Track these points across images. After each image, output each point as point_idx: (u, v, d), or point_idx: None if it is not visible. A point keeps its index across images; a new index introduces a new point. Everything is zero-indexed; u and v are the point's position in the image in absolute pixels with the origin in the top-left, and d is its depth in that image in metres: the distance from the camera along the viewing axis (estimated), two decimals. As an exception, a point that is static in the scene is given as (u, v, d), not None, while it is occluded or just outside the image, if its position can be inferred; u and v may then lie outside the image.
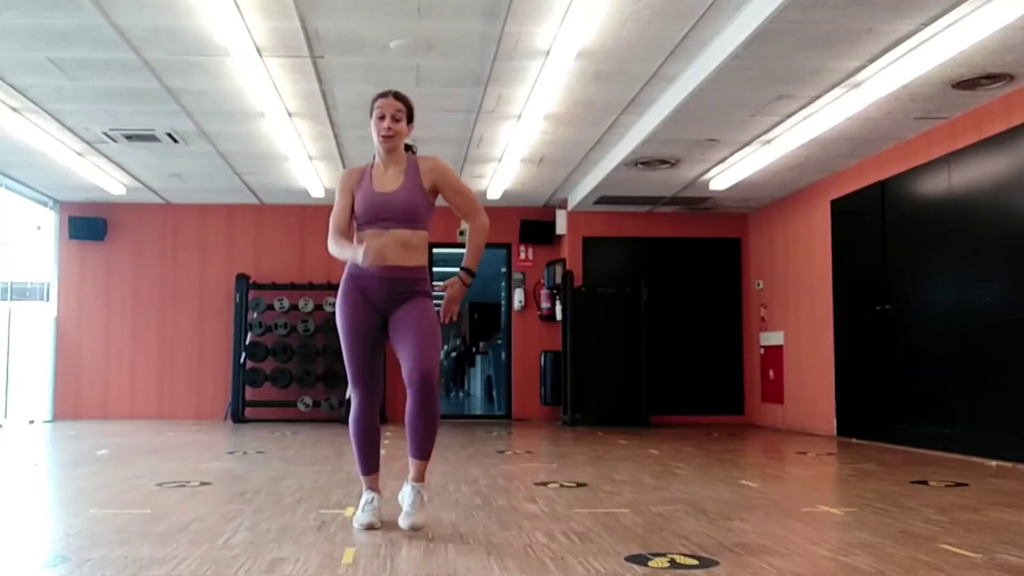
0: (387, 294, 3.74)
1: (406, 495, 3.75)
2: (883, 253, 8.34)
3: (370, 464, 3.88)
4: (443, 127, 8.19)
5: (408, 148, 3.93)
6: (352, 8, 5.62)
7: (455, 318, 3.82)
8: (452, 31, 5.98)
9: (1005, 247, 6.69)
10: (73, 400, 11.45)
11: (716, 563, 3.16)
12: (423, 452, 3.73)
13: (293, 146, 8.63)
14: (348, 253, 3.70)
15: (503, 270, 12.49)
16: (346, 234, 3.82)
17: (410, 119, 3.86)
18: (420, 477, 3.76)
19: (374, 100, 3.84)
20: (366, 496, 3.87)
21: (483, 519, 4.08)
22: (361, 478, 3.92)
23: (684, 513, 4.24)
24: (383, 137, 3.79)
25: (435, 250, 12.01)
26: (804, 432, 9.76)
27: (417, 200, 3.78)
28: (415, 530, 3.67)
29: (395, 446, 7.89)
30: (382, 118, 3.79)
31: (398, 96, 3.84)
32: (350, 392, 3.86)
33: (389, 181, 3.80)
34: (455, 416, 13.13)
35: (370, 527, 3.75)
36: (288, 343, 11.36)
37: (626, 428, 10.21)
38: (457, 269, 3.88)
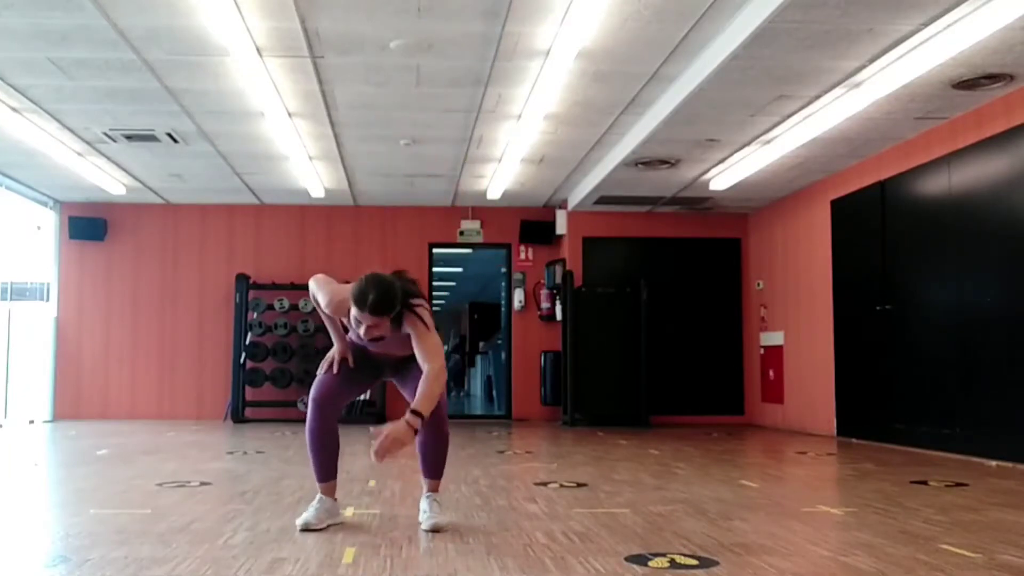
0: (386, 361, 3.97)
1: (424, 505, 3.87)
2: (883, 253, 8.34)
3: (325, 472, 3.85)
4: (443, 127, 8.19)
5: (408, 291, 3.63)
6: (352, 8, 5.62)
7: (386, 456, 3.41)
8: (452, 31, 5.98)
9: (1005, 247, 6.68)
10: (73, 400, 11.44)
11: (716, 563, 3.16)
12: (436, 473, 3.90)
13: (293, 146, 8.63)
14: (332, 335, 3.97)
15: (503, 270, 12.49)
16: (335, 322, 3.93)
17: (395, 308, 3.53)
18: (435, 489, 3.92)
19: (354, 301, 3.49)
20: (317, 497, 3.85)
21: (483, 519, 4.08)
22: (317, 484, 3.86)
23: (684, 513, 4.24)
24: (367, 338, 3.63)
25: (435, 250, 12.03)
26: (804, 432, 9.75)
27: (407, 347, 3.71)
28: (437, 531, 3.73)
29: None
30: (359, 323, 3.53)
31: (377, 310, 3.46)
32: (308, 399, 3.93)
33: (383, 343, 3.76)
34: (455, 416, 13.10)
35: (306, 528, 3.70)
36: (288, 343, 11.36)
37: (626, 428, 10.21)
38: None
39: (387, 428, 3.42)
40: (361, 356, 3.94)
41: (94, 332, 11.59)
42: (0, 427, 10.17)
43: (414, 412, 3.48)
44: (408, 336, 3.66)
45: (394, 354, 3.88)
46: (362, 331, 3.57)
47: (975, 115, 7.04)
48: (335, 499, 3.91)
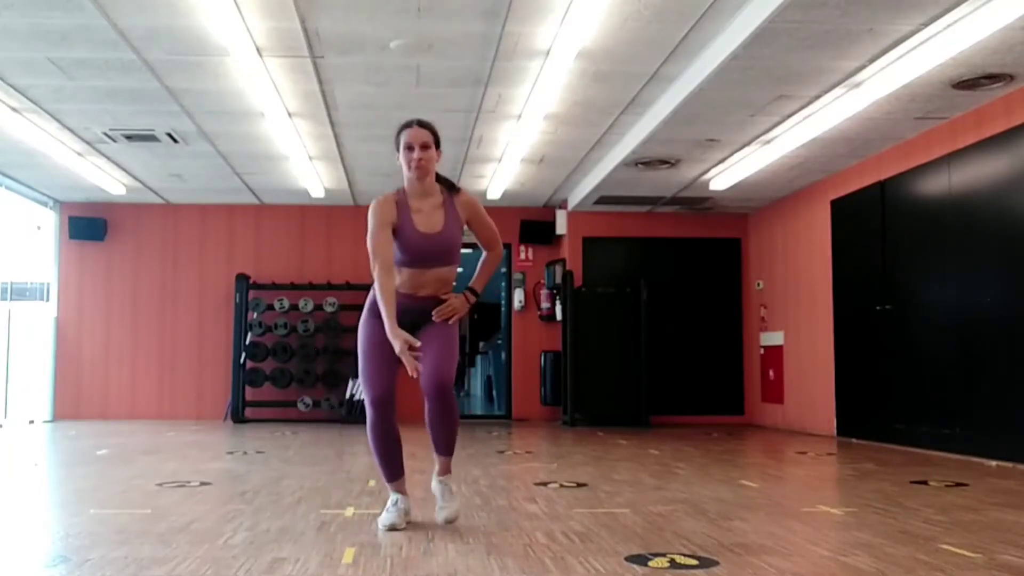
0: (415, 316, 3.81)
1: (436, 491, 3.95)
2: (883, 253, 8.34)
3: (393, 471, 3.91)
4: (443, 127, 8.05)
5: (452, 185, 3.92)
6: (352, 8, 5.62)
7: (452, 321, 3.84)
8: (452, 31, 5.98)
9: (1005, 247, 6.68)
10: (73, 400, 11.44)
11: (716, 563, 3.16)
12: (446, 449, 3.92)
13: (293, 146, 8.63)
14: (387, 322, 3.57)
15: (503, 270, 12.48)
16: (392, 272, 3.71)
17: (438, 144, 3.86)
18: (446, 470, 3.95)
19: (399, 132, 3.84)
20: (392, 498, 3.92)
21: (483, 519, 4.08)
22: (387, 485, 3.96)
23: (684, 513, 4.24)
24: (416, 168, 3.77)
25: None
26: (804, 432, 9.75)
27: (457, 238, 3.86)
28: (450, 522, 3.81)
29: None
30: (410, 148, 3.78)
31: (422, 124, 3.84)
32: (364, 400, 3.90)
33: (431, 219, 3.80)
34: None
35: (392, 528, 3.79)
36: (288, 343, 11.36)
37: (626, 428, 10.21)
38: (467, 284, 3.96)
39: (451, 299, 3.83)
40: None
41: (94, 332, 11.59)
42: (0, 427, 10.17)
43: (470, 289, 3.91)
44: (457, 225, 3.82)
45: (445, 242, 3.76)
46: (414, 157, 3.75)
47: (975, 115, 7.04)
48: (407, 494, 3.92)
